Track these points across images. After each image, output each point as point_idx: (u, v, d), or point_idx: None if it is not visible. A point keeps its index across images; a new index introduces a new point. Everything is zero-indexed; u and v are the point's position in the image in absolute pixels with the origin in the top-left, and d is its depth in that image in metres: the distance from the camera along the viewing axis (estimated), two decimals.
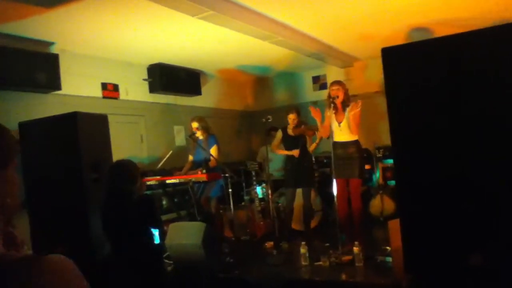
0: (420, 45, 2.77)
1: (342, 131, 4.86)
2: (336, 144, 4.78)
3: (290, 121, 5.55)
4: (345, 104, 4.85)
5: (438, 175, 2.65)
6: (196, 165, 5.61)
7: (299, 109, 5.71)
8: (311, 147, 5.55)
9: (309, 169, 5.57)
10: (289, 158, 5.57)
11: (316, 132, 5.32)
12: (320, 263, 4.16)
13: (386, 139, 6.22)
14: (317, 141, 5.44)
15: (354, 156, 4.83)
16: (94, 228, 3.98)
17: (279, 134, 5.69)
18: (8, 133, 1.06)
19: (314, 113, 4.87)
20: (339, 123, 4.86)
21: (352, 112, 4.73)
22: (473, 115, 2.51)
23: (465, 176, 2.56)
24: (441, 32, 4.45)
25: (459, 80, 2.55)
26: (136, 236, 3.40)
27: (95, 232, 4.00)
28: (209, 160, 5.47)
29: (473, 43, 2.54)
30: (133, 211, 3.34)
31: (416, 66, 2.68)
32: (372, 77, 7.26)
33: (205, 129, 5.65)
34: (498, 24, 2.45)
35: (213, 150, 5.52)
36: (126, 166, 3.47)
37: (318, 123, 4.94)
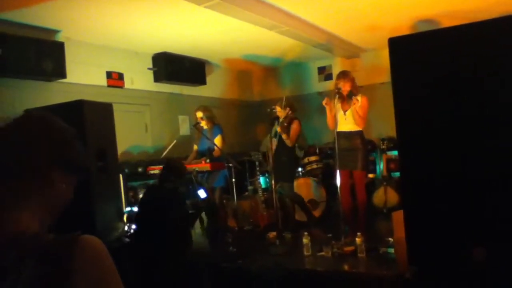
0: (428, 35, 2.75)
1: (347, 120, 4.85)
2: (340, 134, 4.76)
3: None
4: (351, 93, 4.84)
5: (443, 167, 2.64)
6: (200, 155, 5.63)
7: (288, 103, 5.44)
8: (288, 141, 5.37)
9: (285, 164, 5.42)
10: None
11: (287, 136, 5.25)
12: (323, 253, 4.17)
13: (390, 131, 6.20)
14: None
15: (358, 148, 4.82)
16: (98, 216, 4.01)
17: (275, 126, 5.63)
18: (76, 143, 1.11)
19: (325, 102, 4.84)
20: (345, 111, 4.85)
21: (359, 103, 4.70)
22: (480, 106, 2.50)
23: (470, 168, 2.56)
24: (447, 23, 4.41)
25: (465, 71, 2.53)
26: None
27: (100, 220, 4.03)
28: (213, 150, 5.48)
29: (479, 34, 2.52)
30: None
31: (423, 57, 2.66)
32: (378, 68, 7.21)
33: (210, 118, 5.64)
34: (507, 15, 2.43)
35: (218, 140, 5.52)
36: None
37: (328, 114, 4.92)
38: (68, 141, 1.08)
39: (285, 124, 5.29)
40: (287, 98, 5.71)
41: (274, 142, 5.55)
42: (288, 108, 5.36)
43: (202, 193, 4.25)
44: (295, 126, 5.34)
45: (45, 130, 1.05)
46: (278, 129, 5.33)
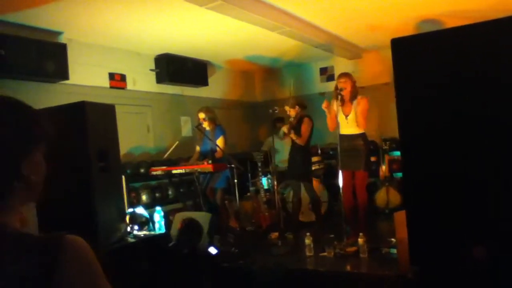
0: (431, 36, 2.75)
1: (349, 124, 4.84)
2: (342, 137, 4.77)
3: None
4: (352, 96, 4.83)
5: (445, 168, 2.64)
6: (203, 156, 5.63)
7: (296, 102, 5.43)
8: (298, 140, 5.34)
9: (299, 163, 5.41)
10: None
11: (292, 135, 5.25)
12: (325, 254, 4.18)
13: (393, 131, 6.20)
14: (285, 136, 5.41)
15: (360, 149, 4.82)
16: (100, 217, 4.02)
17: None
18: (35, 116, 1.07)
19: (325, 105, 4.85)
20: (346, 116, 4.84)
21: (360, 107, 4.71)
22: (483, 107, 2.49)
23: (472, 169, 2.55)
24: (450, 24, 4.41)
25: (469, 72, 2.52)
26: None
27: (102, 221, 4.04)
28: (216, 151, 5.48)
29: (483, 35, 2.51)
30: None
31: (426, 57, 2.65)
32: (380, 68, 7.21)
33: (212, 119, 5.65)
34: (510, 15, 2.42)
35: (220, 141, 5.53)
36: None
37: (327, 115, 4.92)
38: (34, 115, 1.06)
39: (292, 123, 5.28)
40: (295, 97, 5.70)
41: (285, 141, 5.55)
42: (297, 107, 5.33)
43: (213, 250, 4.24)
44: (305, 125, 5.28)
45: (12, 112, 1.03)
46: (284, 128, 5.31)
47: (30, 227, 4.32)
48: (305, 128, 5.28)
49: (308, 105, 5.61)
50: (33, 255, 0.91)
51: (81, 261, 0.94)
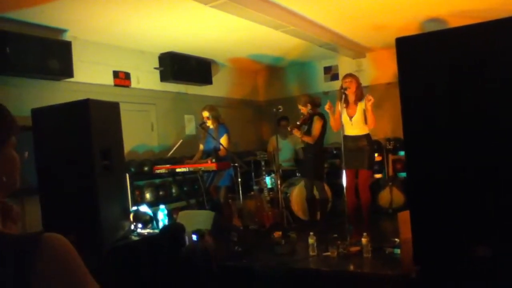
0: (435, 35, 2.74)
1: (354, 126, 4.82)
2: (346, 138, 4.76)
3: None
4: (357, 98, 4.80)
5: (449, 167, 2.63)
6: (206, 154, 5.63)
7: (308, 100, 5.42)
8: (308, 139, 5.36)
9: (310, 161, 5.41)
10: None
11: (301, 133, 5.25)
12: (328, 253, 4.17)
13: (396, 131, 6.18)
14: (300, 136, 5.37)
15: (365, 149, 4.80)
16: (104, 215, 4.03)
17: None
18: (4, 110, 1.04)
19: (328, 107, 4.84)
20: (351, 117, 4.81)
21: (370, 103, 4.64)
22: (488, 107, 2.48)
23: (476, 169, 2.54)
24: (455, 23, 4.38)
25: (473, 71, 2.51)
26: None
27: (106, 219, 4.05)
28: (219, 149, 5.48)
29: (487, 34, 2.50)
30: None
31: (430, 57, 2.64)
32: (384, 68, 7.19)
33: (215, 118, 5.65)
34: None
35: (223, 140, 5.53)
36: None
37: (331, 116, 4.91)
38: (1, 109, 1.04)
39: (298, 122, 5.27)
40: (307, 95, 5.68)
41: (287, 141, 5.55)
42: (309, 105, 5.30)
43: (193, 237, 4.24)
44: (316, 124, 5.29)
45: None
46: (295, 131, 5.30)
47: (30, 223, 4.34)
48: (315, 127, 5.28)
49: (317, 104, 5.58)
50: (8, 256, 0.87)
51: (60, 261, 0.90)
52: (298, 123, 5.26)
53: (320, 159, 5.51)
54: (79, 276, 0.92)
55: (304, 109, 5.33)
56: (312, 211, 5.67)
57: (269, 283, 3.95)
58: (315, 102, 5.44)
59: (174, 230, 4.25)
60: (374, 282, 3.61)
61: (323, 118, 5.32)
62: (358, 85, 4.83)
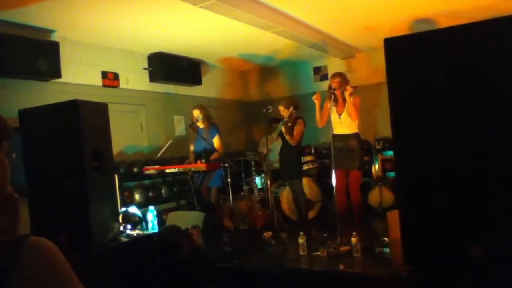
0: (423, 36, 2.76)
1: (343, 123, 4.85)
2: (336, 137, 4.78)
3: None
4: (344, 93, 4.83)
5: (438, 167, 2.65)
6: (197, 156, 5.60)
7: (291, 102, 5.41)
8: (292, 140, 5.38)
9: (291, 163, 5.44)
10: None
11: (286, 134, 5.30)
12: (318, 253, 4.18)
13: (386, 131, 6.22)
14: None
15: (354, 148, 4.83)
16: (93, 216, 3.99)
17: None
18: None
19: (316, 96, 4.86)
20: (339, 115, 4.85)
21: (347, 94, 4.68)
22: (475, 107, 2.51)
23: (465, 168, 2.57)
24: (445, 23, 4.43)
25: (461, 72, 2.54)
26: None
27: (96, 221, 4.01)
28: (210, 150, 5.46)
29: (476, 35, 2.53)
30: None
31: (418, 57, 2.67)
32: (373, 68, 7.23)
33: (206, 117, 5.63)
34: (503, 16, 2.44)
35: (216, 140, 5.52)
36: None
37: (317, 109, 4.92)
38: None
39: (289, 124, 5.28)
40: (290, 97, 5.68)
41: (279, 141, 5.56)
42: (291, 107, 5.33)
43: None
44: (299, 126, 5.33)
45: None
46: (283, 129, 5.31)
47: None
48: (298, 129, 5.31)
49: (302, 104, 5.61)
50: None
51: (43, 266, 0.87)
52: (289, 125, 5.29)
53: (299, 160, 5.62)
54: (64, 281, 0.89)
55: (285, 112, 5.31)
56: (299, 211, 5.68)
57: (260, 283, 3.95)
58: (297, 105, 5.46)
59: (170, 233, 4.22)
60: (364, 281, 3.62)
61: (304, 121, 5.40)
62: (346, 82, 4.86)
